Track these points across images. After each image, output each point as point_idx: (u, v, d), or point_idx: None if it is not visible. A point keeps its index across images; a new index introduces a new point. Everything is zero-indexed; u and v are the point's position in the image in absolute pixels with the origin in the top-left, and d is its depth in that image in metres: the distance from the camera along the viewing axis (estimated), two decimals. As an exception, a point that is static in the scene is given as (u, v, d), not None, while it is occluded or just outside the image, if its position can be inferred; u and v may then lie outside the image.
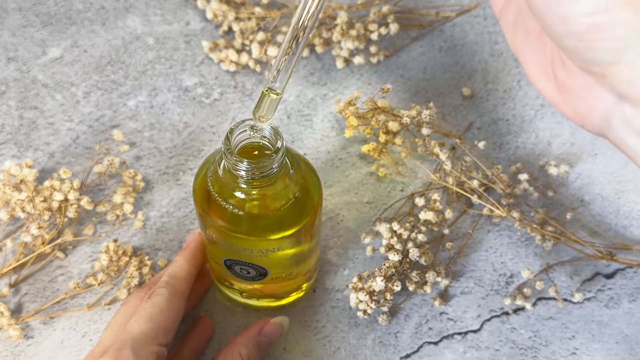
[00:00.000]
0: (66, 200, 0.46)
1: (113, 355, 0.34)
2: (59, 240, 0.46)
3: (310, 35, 0.32)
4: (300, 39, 0.31)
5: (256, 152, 0.35)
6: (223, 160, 0.34)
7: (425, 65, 0.56)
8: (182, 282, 0.40)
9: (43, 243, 0.45)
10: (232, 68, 0.54)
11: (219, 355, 0.40)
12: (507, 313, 0.45)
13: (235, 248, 0.37)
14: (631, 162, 0.37)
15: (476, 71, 0.56)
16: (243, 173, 0.33)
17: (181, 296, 0.39)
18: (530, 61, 0.27)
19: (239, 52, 0.55)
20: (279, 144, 0.33)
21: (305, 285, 0.44)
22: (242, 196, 0.35)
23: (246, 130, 0.34)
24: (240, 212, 0.35)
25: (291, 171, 0.35)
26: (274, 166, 0.33)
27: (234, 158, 0.33)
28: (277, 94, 0.33)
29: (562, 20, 0.23)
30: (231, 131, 0.34)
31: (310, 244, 0.40)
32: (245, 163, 0.33)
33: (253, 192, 0.35)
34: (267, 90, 0.33)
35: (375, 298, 0.43)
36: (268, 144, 0.34)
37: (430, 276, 0.44)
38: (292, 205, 0.36)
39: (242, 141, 0.34)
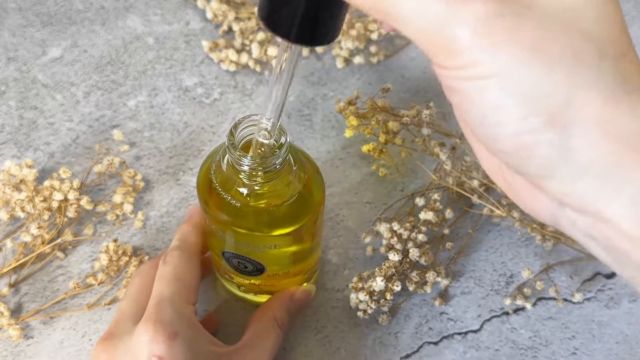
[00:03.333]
0: (66, 200, 0.46)
1: (155, 318, 0.34)
2: (58, 240, 0.46)
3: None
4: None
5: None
6: (227, 154, 0.34)
7: (425, 65, 0.56)
8: (193, 245, 0.40)
9: (43, 243, 0.45)
10: (232, 68, 0.54)
11: (254, 317, 0.40)
12: (507, 313, 0.45)
13: (234, 242, 0.37)
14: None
15: (476, 71, 0.56)
16: (246, 168, 0.33)
17: (196, 257, 0.39)
18: (480, 151, 0.27)
19: (239, 52, 0.55)
20: (282, 140, 0.33)
21: (305, 284, 0.44)
22: (244, 191, 0.35)
23: (251, 126, 0.34)
24: (242, 207, 0.35)
25: (294, 168, 0.35)
26: (277, 162, 0.33)
27: (238, 153, 0.33)
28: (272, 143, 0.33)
29: (491, 139, 0.23)
30: (235, 126, 0.34)
31: (311, 243, 0.40)
32: (248, 158, 0.33)
33: (255, 187, 0.35)
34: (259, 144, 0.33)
35: (375, 298, 0.43)
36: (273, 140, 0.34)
37: (430, 276, 0.44)
38: (294, 202, 0.36)
39: (246, 136, 0.34)
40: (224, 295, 0.45)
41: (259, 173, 0.33)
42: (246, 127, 0.34)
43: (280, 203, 0.36)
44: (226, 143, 0.33)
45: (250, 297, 0.44)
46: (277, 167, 0.33)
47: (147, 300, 0.37)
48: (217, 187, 0.35)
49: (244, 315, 0.44)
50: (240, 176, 0.34)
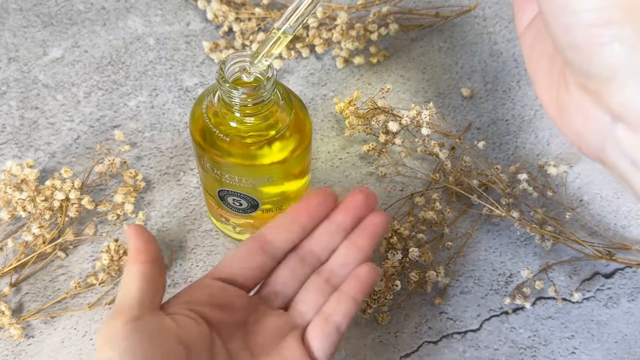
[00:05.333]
0: (67, 199, 0.46)
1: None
2: (60, 240, 0.46)
3: None
4: None
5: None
6: (218, 90, 0.37)
7: (425, 66, 0.56)
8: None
9: (44, 242, 0.45)
10: (233, 68, 0.54)
11: None
12: (506, 312, 0.46)
13: (228, 178, 0.39)
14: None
15: (475, 71, 0.56)
16: (236, 100, 0.35)
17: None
18: (540, 82, 0.28)
19: (239, 52, 0.55)
20: (269, 74, 0.35)
21: None
22: (235, 124, 0.37)
23: (240, 62, 0.36)
24: (235, 140, 0.37)
25: (282, 102, 0.38)
26: (265, 94, 0.35)
27: (227, 85, 0.35)
28: (286, 36, 0.34)
29: (565, 30, 0.23)
30: (224, 62, 0.36)
31: (301, 178, 0.42)
32: (237, 90, 0.35)
33: (245, 120, 0.37)
34: (276, 30, 0.34)
35: (375, 297, 0.43)
36: (260, 75, 0.37)
37: (430, 276, 0.45)
38: (284, 134, 0.38)
39: (235, 72, 0.37)
40: (222, 242, 0.46)
41: (249, 105, 0.36)
42: (235, 63, 0.36)
43: (270, 135, 0.38)
44: (216, 77, 0.35)
45: (246, 237, 0.46)
46: (266, 98, 0.36)
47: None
48: (210, 124, 0.37)
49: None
50: (232, 109, 0.36)
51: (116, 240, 0.45)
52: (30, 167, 0.48)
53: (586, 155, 0.26)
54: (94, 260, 0.46)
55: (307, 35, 0.56)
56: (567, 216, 0.47)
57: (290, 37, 0.34)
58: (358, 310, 0.35)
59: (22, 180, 0.47)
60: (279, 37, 0.34)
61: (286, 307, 0.36)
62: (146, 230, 0.34)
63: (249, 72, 0.36)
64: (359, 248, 0.36)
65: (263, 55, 0.35)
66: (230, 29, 0.57)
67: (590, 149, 0.25)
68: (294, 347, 0.33)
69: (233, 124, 0.37)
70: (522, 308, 0.46)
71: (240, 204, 0.42)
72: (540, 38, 0.28)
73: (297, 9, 0.34)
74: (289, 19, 0.34)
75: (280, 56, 0.55)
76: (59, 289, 0.45)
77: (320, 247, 0.36)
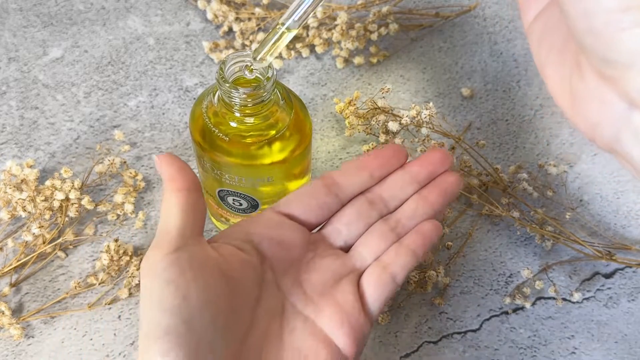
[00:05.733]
0: (67, 199, 0.46)
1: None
2: (59, 240, 0.46)
3: None
4: None
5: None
6: (218, 90, 0.36)
7: (425, 66, 0.56)
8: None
9: (44, 242, 0.45)
10: (233, 68, 0.54)
11: None
12: (506, 312, 0.46)
13: (228, 178, 0.39)
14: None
15: (475, 71, 0.56)
16: (236, 100, 0.35)
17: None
18: (551, 74, 0.27)
19: (239, 52, 0.55)
20: (269, 74, 0.35)
21: None
22: (235, 124, 0.37)
23: (240, 62, 0.36)
24: (233, 140, 0.37)
25: (281, 102, 0.38)
26: (265, 94, 0.35)
27: (227, 85, 0.35)
28: (290, 31, 0.34)
29: (583, 15, 0.23)
30: (224, 62, 0.36)
31: (302, 178, 0.42)
32: (237, 90, 0.35)
33: (245, 120, 0.37)
34: (280, 25, 0.34)
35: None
36: (260, 76, 0.36)
37: (430, 275, 0.45)
38: (284, 134, 0.38)
39: (235, 72, 0.36)
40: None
41: (249, 105, 0.35)
42: (235, 63, 0.36)
43: (270, 135, 0.38)
44: (216, 77, 0.35)
45: None
46: (266, 98, 0.36)
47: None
48: (210, 124, 0.37)
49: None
50: (231, 110, 0.36)
51: (116, 240, 0.45)
52: (30, 167, 0.48)
53: (599, 146, 0.26)
54: (93, 260, 0.46)
55: (307, 35, 0.56)
56: (567, 216, 0.47)
57: (294, 32, 0.34)
58: (417, 264, 0.35)
59: (22, 180, 0.47)
60: (283, 32, 0.34)
61: (347, 250, 0.35)
62: (178, 157, 0.33)
63: (252, 69, 0.36)
64: (430, 203, 0.35)
65: (267, 52, 0.34)
66: (230, 29, 0.57)
67: (604, 139, 0.25)
68: (348, 291, 0.33)
69: (233, 124, 0.37)
70: (522, 308, 0.46)
71: (240, 204, 0.42)
72: (549, 30, 0.28)
73: (301, 3, 0.33)
74: (293, 14, 0.33)
75: (280, 56, 0.55)
76: (58, 289, 0.45)
77: (390, 194, 0.36)
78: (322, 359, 0.31)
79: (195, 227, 0.31)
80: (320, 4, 0.34)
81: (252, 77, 0.36)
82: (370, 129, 0.49)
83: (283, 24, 0.33)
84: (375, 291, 0.33)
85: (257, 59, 0.34)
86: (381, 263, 0.34)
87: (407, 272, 0.34)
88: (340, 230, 0.35)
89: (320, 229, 0.36)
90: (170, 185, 0.32)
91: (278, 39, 0.34)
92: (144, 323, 0.28)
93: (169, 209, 0.31)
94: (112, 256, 0.44)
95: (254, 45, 0.55)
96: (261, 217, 0.34)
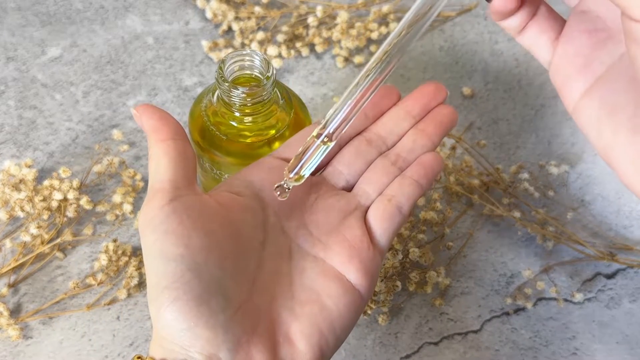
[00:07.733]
0: (65, 199, 0.46)
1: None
2: (58, 240, 0.45)
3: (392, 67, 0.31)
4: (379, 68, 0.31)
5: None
6: (217, 90, 0.36)
7: (426, 65, 0.56)
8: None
9: (42, 243, 0.45)
10: (232, 68, 0.54)
11: None
12: (507, 313, 0.45)
13: (227, 177, 0.38)
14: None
15: (476, 71, 0.56)
16: (235, 100, 0.35)
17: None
18: (620, 155, 0.24)
19: (238, 51, 0.55)
20: (269, 73, 0.35)
21: None
22: (235, 124, 0.37)
23: (239, 61, 0.36)
24: (233, 139, 0.37)
25: (281, 101, 0.37)
26: (264, 93, 0.35)
27: (226, 84, 0.35)
28: (326, 144, 0.32)
29: None
30: (223, 61, 0.35)
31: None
32: (237, 90, 0.35)
33: (245, 120, 0.37)
34: (315, 137, 0.31)
35: (375, 298, 0.43)
36: (260, 75, 0.36)
37: (430, 276, 0.44)
38: (283, 134, 0.38)
39: (234, 72, 0.36)
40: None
41: (248, 104, 0.35)
42: (234, 62, 0.36)
43: (270, 135, 0.38)
44: (215, 76, 0.35)
45: None
46: (265, 98, 0.35)
47: None
48: (209, 124, 0.37)
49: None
50: (231, 109, 0.36)
51: (115, 241, 0.45)
52: (29, 167, 0.47)
53: None
54: (92, 260, 0.46)
55: (307, 34, 0.55)
56: (568, 216, 0.47)
57: (332, 145, 0.31)
58: (422, 195, 0.35)
59: (20, 180, 0.46)
60: (319, 146, 0.31)
61: (349, 189, 0.35)
62: (157, 107, 0.32)
63: (286, 190, 0.31)
64: (427, 135, 0.35)
65: (302, 166, 0.32)
66: (230, 28, 0.56)
67: None
68: (355, 226, 0.33)
69: (232, 124, 0.37)
70: (523, 309, 0.45)
71: None
72: (611, 104, 0.25)
73: (337, 113, 0.31)
74: (328, 126, 0.31)
75: (279, 55, 0.55)
76: (57, 290, 0.45)
77: (387, 130, 0.36)
78: (335, 295, 0.31)
79: (187, 176, 0.30)
80: (358, 111, 0.31)
81: (284, 199, 0.32)
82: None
83: (318, 137, 0.32)
84: (383, 224, 0.33)
85: (292, 176, 0.31)
86: (386, 196, 0.34)
87: (413, 203, 0.34)
88: (341, 170, 0.35)
89: (322, 170, 0.36)
90: (154, 136, 0.31)
91: (314, 152, 0.32)
92: (151, 275, 0.28)
93: (158, 160, 0.30)
94: (110, 256, 0.44)
95: (254, 45, 0.54)
96: (261, 163, 0.34)
